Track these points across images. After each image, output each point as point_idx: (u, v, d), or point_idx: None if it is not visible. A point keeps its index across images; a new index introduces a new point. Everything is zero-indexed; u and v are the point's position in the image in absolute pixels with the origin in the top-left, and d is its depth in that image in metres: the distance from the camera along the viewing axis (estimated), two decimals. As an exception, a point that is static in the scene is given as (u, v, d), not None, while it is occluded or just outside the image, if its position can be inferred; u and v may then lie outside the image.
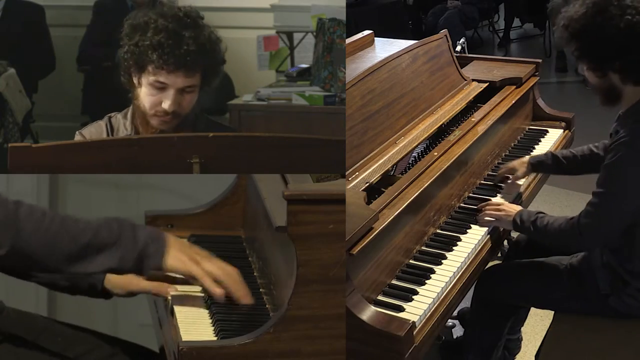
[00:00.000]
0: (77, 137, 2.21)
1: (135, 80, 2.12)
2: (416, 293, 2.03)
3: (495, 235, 2.38)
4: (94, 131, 2.20)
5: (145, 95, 2.10)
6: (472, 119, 2.71)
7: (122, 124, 2.19)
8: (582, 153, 2.58)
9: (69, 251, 1.66)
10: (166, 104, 2.07)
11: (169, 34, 2.03)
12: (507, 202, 2.46)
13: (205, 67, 2.09)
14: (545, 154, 2.69)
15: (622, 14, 2.02)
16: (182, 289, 1.87)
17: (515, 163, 2.66)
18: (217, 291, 1.74)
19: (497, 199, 2.54)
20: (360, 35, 3.22)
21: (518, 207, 2.37)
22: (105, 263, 1.69)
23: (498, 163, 2.83)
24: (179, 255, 1.74)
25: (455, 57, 3.03)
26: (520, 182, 2.65)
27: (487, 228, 2.36)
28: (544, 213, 2.28)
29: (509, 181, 2.65)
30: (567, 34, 2.13)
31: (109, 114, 2.23)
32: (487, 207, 2.41)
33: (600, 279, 2.21)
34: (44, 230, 1.64)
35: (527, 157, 2.69)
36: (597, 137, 2.62)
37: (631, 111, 2.13)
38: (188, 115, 2.15)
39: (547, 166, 2.66)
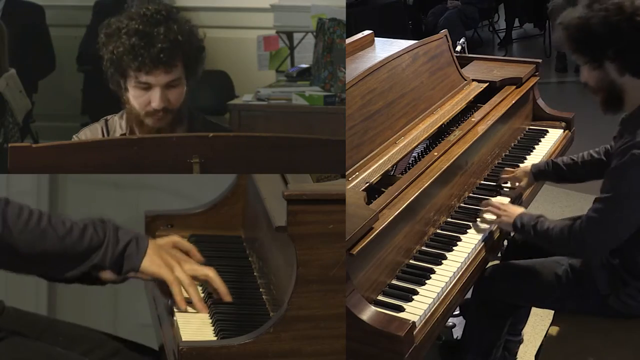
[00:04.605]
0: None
1: (122, 86, 2.15)
2: (416, 293, 2.03)
3: (494, 236, 2.38)
4: (90, 134, 2.23)
5: (133, 97, 2.14)
6: (472, 119, 2.71)
7: (119, 124, 2.23)
8: (583, 159, 2.55)
9: (54, 251, 1.68)
10: (155, 102, 2.12)
11: (139, 35, 2.08)
12: (509, 204, 2.44)
13: (184, 58, 2.13)
14: (546, 162, 2.65)
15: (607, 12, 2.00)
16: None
17: (519, 173, 2.63)
18: (182, 304, 1.78)
19: (500, 199, 2.53)
20: (360, 35, 3.23)
21: (520, 209, 2.34)
22: (88, 264, 1.72)
23: (498, 163, 2.83)
24: (155, 259, 1.77)
25: (455, 57, 3.03)
26: (523, 184, 2.64)
27: (486, 229, 2.35)
28: (544, 217, 2.24)
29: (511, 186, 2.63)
30: (564, 33, 2.12)
31: (105, 117, 2.26)
32: (489, 207, 2.39)
33: (600, 279, 2.20)
34: (31, 229, 1.66)
35: (529, 166, 2.65)
36: (597, 137, 2.61)
37: (635, 114, 2.09)
38: (182, 111, 2.17)
39: (548, 175, 2.63)
